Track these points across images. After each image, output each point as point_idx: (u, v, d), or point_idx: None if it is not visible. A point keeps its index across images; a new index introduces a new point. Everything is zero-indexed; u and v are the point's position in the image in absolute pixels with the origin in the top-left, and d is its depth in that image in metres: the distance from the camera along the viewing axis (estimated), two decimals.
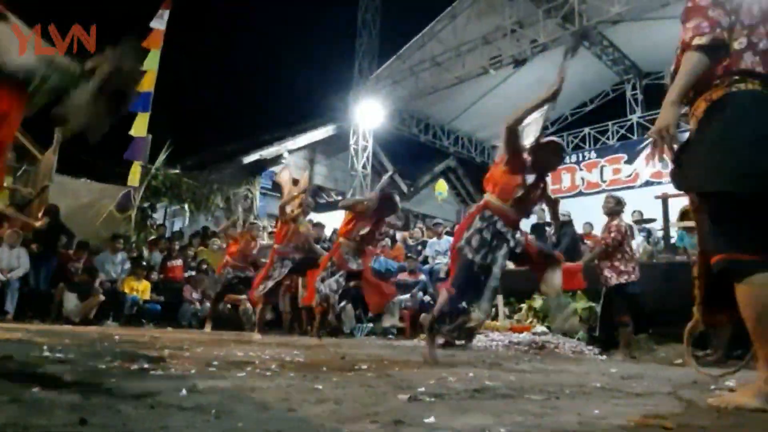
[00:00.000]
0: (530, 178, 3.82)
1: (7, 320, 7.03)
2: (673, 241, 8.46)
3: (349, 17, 14.15)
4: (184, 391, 1.79)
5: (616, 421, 1.64)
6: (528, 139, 3.86)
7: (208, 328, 7.37)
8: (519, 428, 1.48)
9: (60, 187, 9.40)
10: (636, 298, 5.75)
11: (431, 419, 1.51)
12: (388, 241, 9.90)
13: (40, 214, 8.07)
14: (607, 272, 5.77)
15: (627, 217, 7.03)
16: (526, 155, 3.75)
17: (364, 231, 5.45)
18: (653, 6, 9.13)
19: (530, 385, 2.57)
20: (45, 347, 3.09)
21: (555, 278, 3.85)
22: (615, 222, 5.86)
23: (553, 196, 4.28)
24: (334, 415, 1.56)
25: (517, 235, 3.82)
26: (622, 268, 5.70)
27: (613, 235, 5.76)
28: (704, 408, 1.99)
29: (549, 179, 4.11)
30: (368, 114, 13.14)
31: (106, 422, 1.27)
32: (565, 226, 9.73)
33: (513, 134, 3.65)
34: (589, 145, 14.48)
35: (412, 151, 15.60)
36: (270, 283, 6.15)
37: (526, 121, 3.75)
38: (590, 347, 6.19)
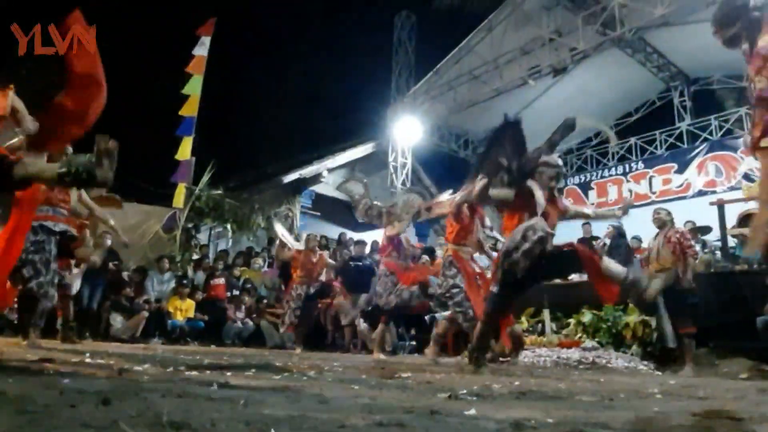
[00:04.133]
0: None
1: (58, 338, 7.21)
2: (731, 250, 8.02)
3: (385, 35, 14.28)
4: (215, 386, 1.73)
5: (678, 418, 1.48)
6: None
7: (298, 350, 7.24)
8: (569, 420, 1.35)
9: (109, 209, 9.69)
10: (695, 309, 5.39)
11: (471, 411, 1.40)
12: (426, 257, 9.74)
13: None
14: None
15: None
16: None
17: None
18: (699, 6, 8.81)
19: (581, 390, 2.40)
20: (87, 354, 3.11)
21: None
22: (682, 229, 5.61)
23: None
24: (367, 407, 1.46)
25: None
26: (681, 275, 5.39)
27: (693, 242, 5.49)
28: None
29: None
30: (406, 131, 13.11)
31: (127, 405, 1.22)
32: (618, 238, 9.43)
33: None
34: (636, 156, 14.00)
35: (452, 167, 15.42)
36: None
37: None
38: (645, 362, 5.86)
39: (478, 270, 5.19)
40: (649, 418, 1.44)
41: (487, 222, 5.55)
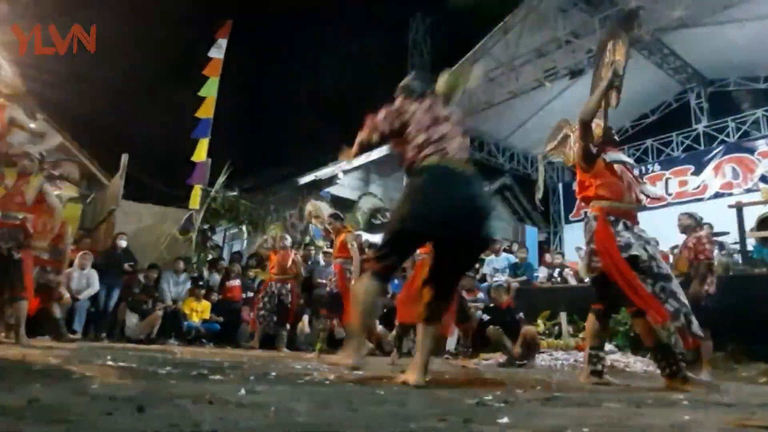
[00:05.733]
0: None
1: (75, 339, 7.29)
2: (750, 253, 7.92)
3: (400, 38, 14.30)
4: (242, 391, 1.73)
5: (710, 427, 1.46)
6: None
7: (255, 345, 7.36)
8: (603, 430, 1.33)
9: (125, 211, 9.78)
10: (707, 313, 5.30)
11: (504, 420, 1.39)
12: None
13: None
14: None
15: None
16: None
17: None
18: (716, 8, 8.73)
19: (606, 396, 2.38)
20: (108, 356, 3.13)
21: None
22: (703, 233, 5.51)
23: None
24: (398, 415, 1.46)
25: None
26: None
27: (708, 246, 5.37)
28: None
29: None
30: None
31: (161, 412, 1.22)
32: None
33: (587, 128, 3.41)
34: (652, 158, 13.88)
35: None
36: None
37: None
38: None
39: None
40: (682, 427, 1.42)
41: None
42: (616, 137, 3.70)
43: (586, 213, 3.59)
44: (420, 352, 2.76)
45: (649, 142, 14.05)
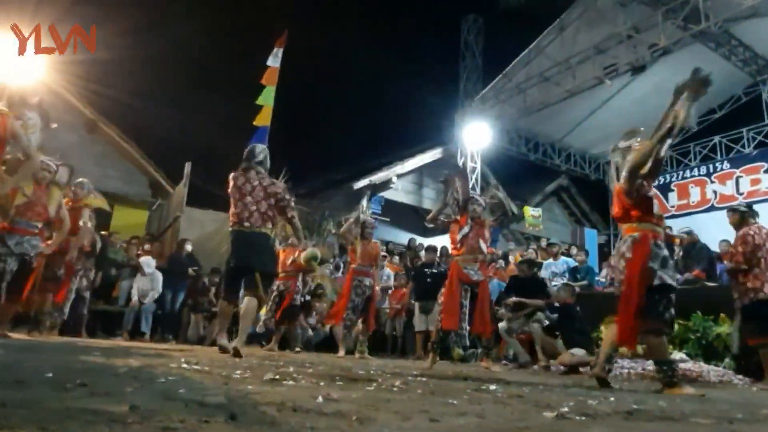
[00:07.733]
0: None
1: (143, 340, 7.61)
2: None
3: (452, 40, 14.23)
4: (320, 399, 1.75)
5: None
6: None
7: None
8: None
9: (189, 217, 10.14)
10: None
11: None
12: (502, 262, 9.60)
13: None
14: (734, 292, 5.15)
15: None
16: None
17: (464, 233, 5.31)
18: None
19: (689, 410, 2.26)
20: (182, 359, 3.24)
21: None
22: (741, 232, 5.20)
23: None
24: (480, 428, 1.44)
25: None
26: (749, 285, 4.99)
27: (740, 249, 5.09)
28: None
29: None
30: (475, 135, 12.98)
31: (253, 420, 1.25)
32: (695, 244, 8.95)
33: (634, 176, 3.39)
34: (721, 155, 13.24)
35: (522, 171, 15.17)
36: None
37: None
38: (740, 376, 5.50)
39: (475, 278, 5.28)
40: None
41: (486, 234, 5.53)
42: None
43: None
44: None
45: (717, 138, 13.42)
